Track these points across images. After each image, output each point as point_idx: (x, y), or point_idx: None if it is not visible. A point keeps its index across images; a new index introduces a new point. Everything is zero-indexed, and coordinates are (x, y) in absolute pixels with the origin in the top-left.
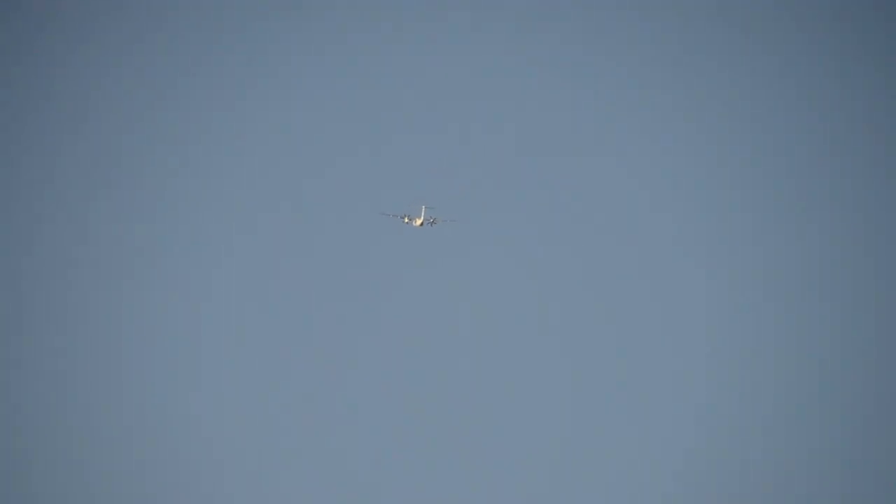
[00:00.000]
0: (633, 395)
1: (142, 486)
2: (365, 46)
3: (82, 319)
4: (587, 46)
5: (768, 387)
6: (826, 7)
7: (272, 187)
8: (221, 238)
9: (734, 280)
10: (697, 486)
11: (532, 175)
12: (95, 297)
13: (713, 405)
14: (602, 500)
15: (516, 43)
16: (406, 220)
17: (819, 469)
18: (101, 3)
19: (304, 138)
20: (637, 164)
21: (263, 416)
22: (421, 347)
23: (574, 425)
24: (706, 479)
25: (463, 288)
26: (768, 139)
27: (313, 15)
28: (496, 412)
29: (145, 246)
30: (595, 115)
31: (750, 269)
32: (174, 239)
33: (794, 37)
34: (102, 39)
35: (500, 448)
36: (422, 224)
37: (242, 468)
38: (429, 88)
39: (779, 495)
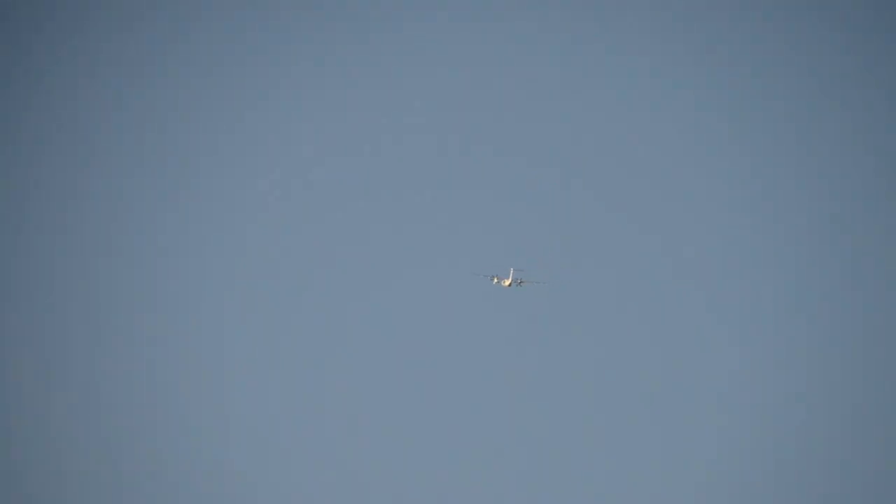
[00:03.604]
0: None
1: (141, 485)
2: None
3: (81, 320)
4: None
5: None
6: (827, 7)
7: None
8: (227, 242)
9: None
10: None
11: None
12: (96, 298)
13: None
14: None
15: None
16: (495, 280)
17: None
18: (104, 7)
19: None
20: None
21: (265, 418)
22: (438, 357)
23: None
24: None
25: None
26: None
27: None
28: (513, 428)
29: (172, 251)
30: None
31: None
32: (190, 243)
33: (802, 37)
34: (101, 41)
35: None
36: (510, 285)
37: (245, 469)
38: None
39: None
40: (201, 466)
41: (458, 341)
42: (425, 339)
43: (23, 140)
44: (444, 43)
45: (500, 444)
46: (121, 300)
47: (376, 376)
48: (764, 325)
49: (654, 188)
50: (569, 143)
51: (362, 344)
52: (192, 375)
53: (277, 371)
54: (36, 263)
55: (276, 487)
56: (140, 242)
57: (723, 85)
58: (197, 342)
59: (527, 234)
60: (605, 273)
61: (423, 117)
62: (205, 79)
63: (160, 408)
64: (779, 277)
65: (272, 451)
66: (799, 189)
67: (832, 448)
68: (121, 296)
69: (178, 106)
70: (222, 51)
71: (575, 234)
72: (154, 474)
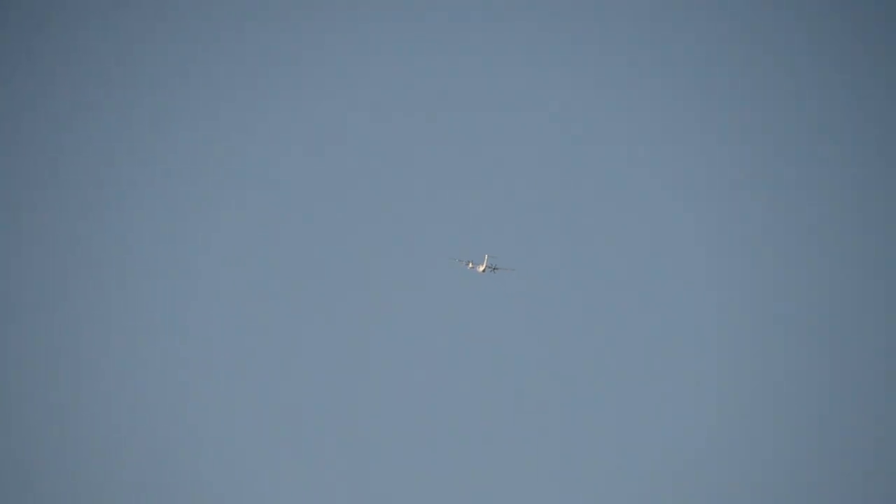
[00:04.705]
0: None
1: (133, 485)
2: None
3: (74, 321)
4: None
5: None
6: (828, 7)
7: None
8: (213, 240)
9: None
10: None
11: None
12: (91, 300)
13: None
14: None
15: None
16: (470, 266)
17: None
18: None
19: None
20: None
21: (262, 419)
22: (433, 355)
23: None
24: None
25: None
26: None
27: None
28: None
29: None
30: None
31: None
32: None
33: (803, 37)
34: (99, 40)
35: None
36: (484, 271)
37: (239, 469)
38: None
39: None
40: (194, 469)
41: (441, 331)
42: (406, 329)
43: (16, 140)
44: (425, 39)
45: (481, 437)
46: (118, 301)
47: (361, 369)
48: (750, 316)
49: (637, 181)
50: (548, 135)
51: (346, 337)
52: (187, 376)
53: (260, 365)
54: (30, 265)
55: (266, 488)
56: (134, 243)
57: (706, 83)
58: (188, 342)
59: (502, 222)
60: (582, 263)
61: (403, 110)
62: (201, 79)
63: (154, 410)
64: (762, 268)
65: (259, 450)
66: (780, 182)
67: (823, 446)
68: (117, 297)
69: (174, 106)
70: (215, 50)
71: (554, 224)
72: (145, 476)
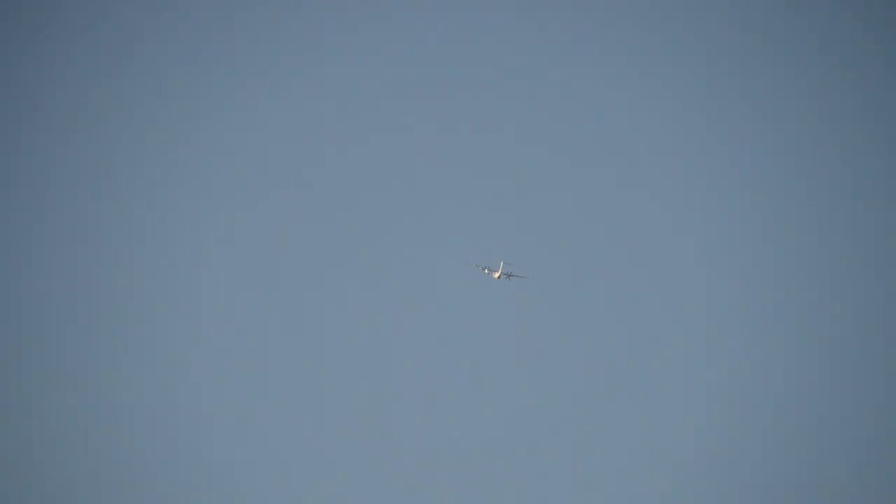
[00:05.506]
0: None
1: (134, 484)
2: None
3: (72, 320)
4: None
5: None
6: (828, 7)
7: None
8: (218, 240)
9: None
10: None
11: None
12: (88, 300)
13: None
14: None
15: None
16: (486, 271)
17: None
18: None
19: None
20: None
21: (261, 419)
22: (435, 362)
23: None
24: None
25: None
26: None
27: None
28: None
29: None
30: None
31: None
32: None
33: (799, 37)
34: (98, 39)
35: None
36: (499, 277)
37: (240, 469)
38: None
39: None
40: (194, 469)
41: (451, 334)
42: (414, 333)
43: (18, 140)
44: (443, 39)
45: (486, 437)
46: (116, 301)
47: (369, 371)
48: (754, 325)
49: (646, 187)
50: (564, 141)
51: (359, 339)
52: (187, 376)
53: (267, 366)
54: (33, 267)
55: (268, 488)
56: (135, 242)
57: (713, 83)
58: (189, 342)
59: (520, 230)
60: (595, 272)
61: (421, 113)
62: (202, 78)
63: (161, 410)
64: (768, 276)
65: (262, 450)
66: (787, 185)
67: (815, 446)
68: (116, 297)
69: (174, 104)
70: (221, 49)
71: (568, 231)
72: (149, 477)
